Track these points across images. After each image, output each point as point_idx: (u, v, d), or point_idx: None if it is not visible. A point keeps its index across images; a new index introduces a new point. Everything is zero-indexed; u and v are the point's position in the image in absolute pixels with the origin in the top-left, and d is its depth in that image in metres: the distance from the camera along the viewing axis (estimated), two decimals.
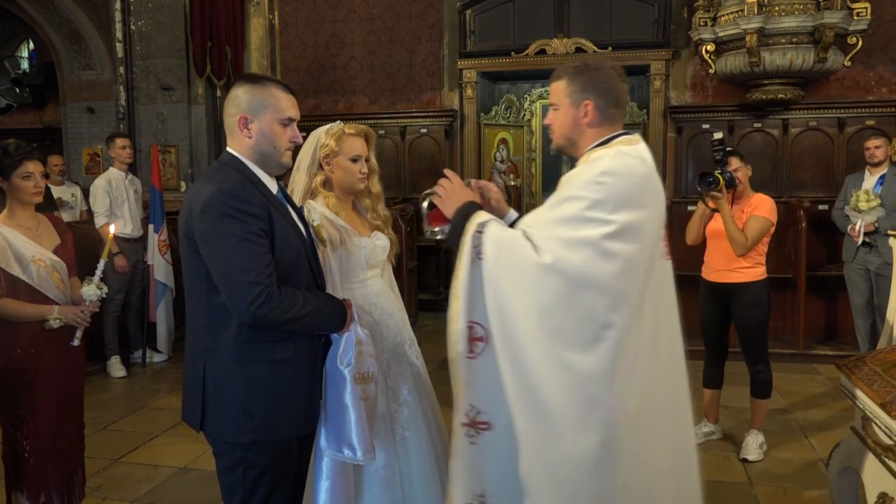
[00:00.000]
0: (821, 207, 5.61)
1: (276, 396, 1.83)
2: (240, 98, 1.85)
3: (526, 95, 8.55)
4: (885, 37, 6.73)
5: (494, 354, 1.68)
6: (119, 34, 7.38)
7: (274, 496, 1.89)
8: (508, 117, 8.43)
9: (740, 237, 3.55)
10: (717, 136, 3.64)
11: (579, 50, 7.42)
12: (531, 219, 1.78)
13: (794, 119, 7.03)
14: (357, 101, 7.91)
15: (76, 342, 2.60)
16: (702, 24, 6.67)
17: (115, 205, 5.32)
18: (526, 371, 1.65)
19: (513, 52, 7.55)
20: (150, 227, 5.55)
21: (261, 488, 1.86)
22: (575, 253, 1.64)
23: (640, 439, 1.72)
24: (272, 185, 1.92)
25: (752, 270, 3.64)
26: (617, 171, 1.71)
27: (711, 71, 6.91)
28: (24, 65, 10.63)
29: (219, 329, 1.82)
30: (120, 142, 5.44)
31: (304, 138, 2.16)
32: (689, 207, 5.35)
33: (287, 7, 8.03)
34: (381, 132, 7.55)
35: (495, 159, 8.22)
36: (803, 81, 6.68)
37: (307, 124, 2.22)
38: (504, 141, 8.43)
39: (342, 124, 2.38)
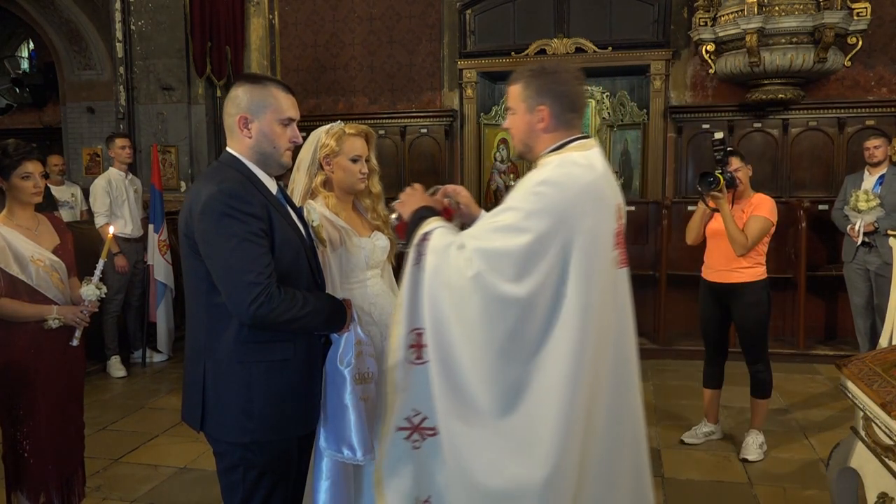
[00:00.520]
0: (821, 207, 5.61)
1: (276, 397, 1.83)
2: (240, 98, 1.85)
3: None
4: (885, 37, 6.73)
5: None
6: (119, 34, 7.38)
7: (274, 496, 1.89)
8: None
9: (740, 237, 3.55)
10: (718, 135, 3.64)
11: (579, 50, 7.42)
12: (478, 226, 1.79)
13: (794, 119, 7.03)
14: (357, 101, 7.91)
15: (75, 342, 2.60)
16: (702, 24, 6.67)
17: (115, 205, 5.32)
18: (460, 382, 1.65)
19: (513, 52, 7.55)
20: (150, 227, 5.55)
21: (261, 488, 1.86)
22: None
23: (586, 457, 1.71)
24: (272, 186, 1.92)
25: (752, 270, 3.64)
26: (556, 180, 1.68)
27: (711, 71, 6.91)
28: (24, 65, 10.63)
29: (219, 329, 1.82)
30: (120, 142, 5.44)
31: (304, 138, 2.16)
32: (690, 207, 5.35)
33: (287, 7, 8.03)
34: (381, 132, 7.55)
35: (495, 159, 8.22)
36: (803, 81, 6.68)
37: (307, 124, 2.22)
38: (504, 141, 8.42)
39: (342, 124, 2.38)
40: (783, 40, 6.28)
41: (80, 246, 3.05)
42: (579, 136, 1.82)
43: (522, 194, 1.69)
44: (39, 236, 2.66)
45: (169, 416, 4.34)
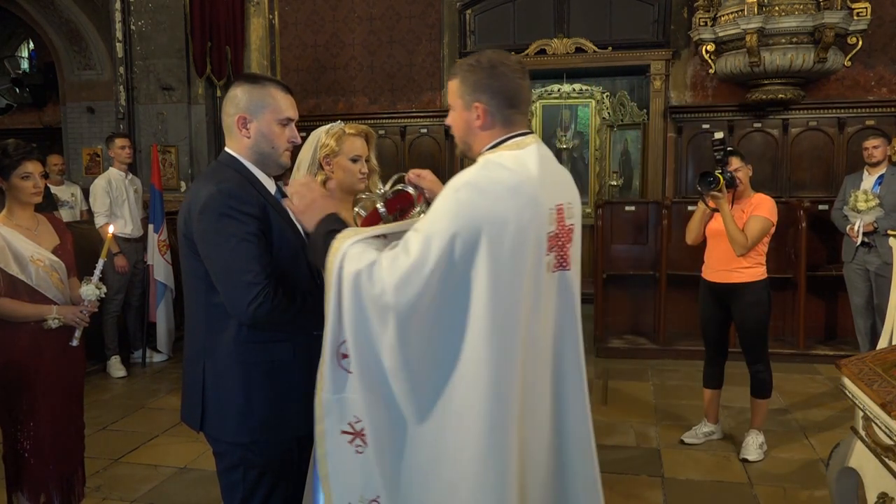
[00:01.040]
0: (821, 207, 5.61)
1: (275, 396, 1.83)
2: (238, 98, 1.85)
3: None
4: (885, 37, 6.73)
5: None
6: (119, 34, 7.38)
7: (274, 496, 1.89)
8: None
9: (740, 237, 3.55)
10: (718, 135, 3.64)
11: (579, 50, 7.43)
12: (409, 233, 1.66)
13: (794, 119, 7.03)
14: (357, 101, 7.91)
15: (75, 342, 2.60)
16: (702, 24, 6.68)
17: (115, 205, 5.32)
18: (383, 394, 1.60)
19: (513, 53, 7.51)
20: (150, 227, 5.55)
21: (261, 488, 1.86)
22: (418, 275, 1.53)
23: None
24: (270, 186, 1.92)
25: (752, 270, 3.64)
26: (475, 183, 1.57)
27: (711, 71, 6.92)
28: (24, 65, 10.63)
29: (218, 329, 1.82)
30: (119, 142, 5.44)
31: (304, 138, 2.16)
32: (690, 207, 5.35)
33: (287, 7, 8.03)
34: (381, 132, 7.56)
35: None
36: (803, 81, 6.68)
37: (307, 124, 2.23)
38: None
39: (342, 124, 2.38)
40: (783, 40, 6.28)
41: (80, 246, 3.05)
42: (519, 133, 1.72)
43: (441, 197, 1.59)
44: (39, 236, 2.66)
45: (169, 416, 4.34)
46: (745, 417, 4.04)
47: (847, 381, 2.07)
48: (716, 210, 3.63)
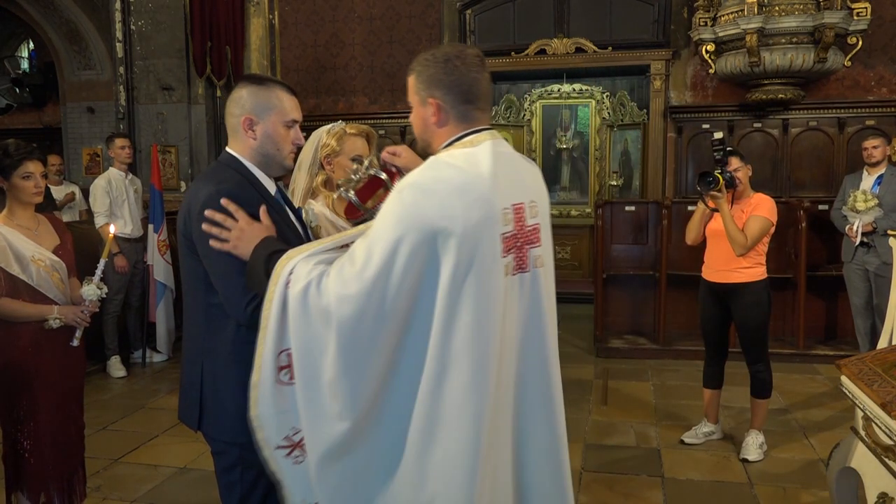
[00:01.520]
0: (821, 207, 5.61)
1: None
2: (244, 99, 1.85)
3: (526, 95, 8.56)
4: (885, 37, 6.73)
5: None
6: (119, 34, 7.38)
7: (272, 496, 1.89)
8: (508, 117, 8.44)
9: (740, 237, 3.55)
10: (718, 135, 3.64)
11: (579, 50, 7.43)
12: (358, 239, 1.61)
13: (794, 119, 7.04)
14: (357, 101, 7.92)
15: (75, 342, 2.60)
16: (702, 24, 6.68)
17: (114, 205, 5.32)
18: (323, 404, 1.55)
19: (513, 52, 7.56)
20: (150, 227, 5.55)
21: (259, 488, 1.86)
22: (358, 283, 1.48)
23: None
24: (270, 186, 1.92)
25: (752, 270, 3.64)
26: (420, 183, 1.50)
27: (711, 71, 6.92)
28: (24, 65, 10.63)
29: (216, 329, 1.82)
30: (119, 142, 5.44)
31: (305, 138, 2.16)
32: (690, 207, 5.35)
33: (287, 7, 8.04)
34: (382, 132, 7.56)
35: None
36: (803, 81, 6.69)
37: (307, 124, 2.22)
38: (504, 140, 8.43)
39: (344, 124, 2.38)
40: (783, 40, 6.29)
41: (80, 246, 3.05)
42: (476, 129, 1.64)
43: (387, 200, 1.53)
44: (40, 236, 2.66)
45: (169, 416, 4.34)
46: (745, 417, 4.05)
47: (847, 381, 2.07)
48: (715, 210, 3.64)
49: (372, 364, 1.50)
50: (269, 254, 1.62)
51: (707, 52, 6.77)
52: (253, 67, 8.04)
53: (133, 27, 7.44)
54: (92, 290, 2.56)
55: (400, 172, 1.89)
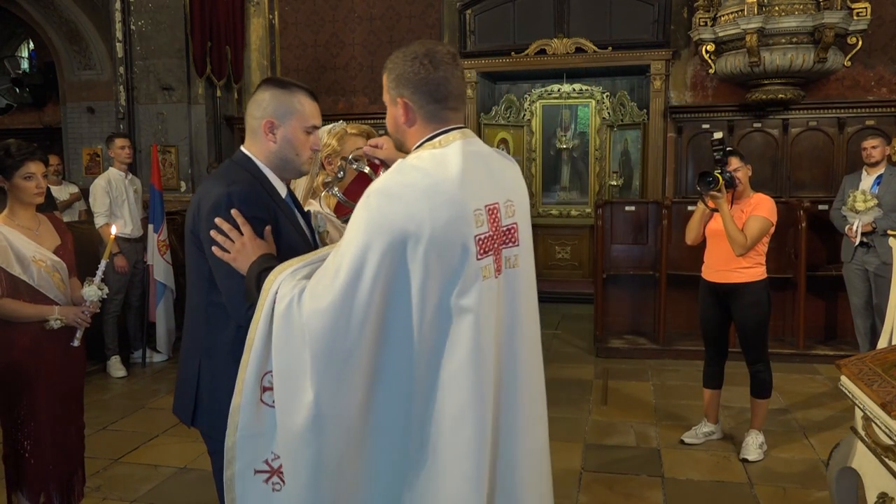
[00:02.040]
0: (821, 207, 5.61)
1: None
2: (267, 102, 1.84)
3: (526, 95, 8.56)
4: (885, 37, 6.74)
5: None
6: (119, 34, 7.39)
7: None
8: (508, 117, 8.44)
9: (740, 237, 3.55)
10: (717, 135, 3.64)
11: (579, 50, 7.43)
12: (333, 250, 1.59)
13: (794, 119, 7.04)
14: (357, 101, 7.92)
15: (76, 343, 2.60)
16: (702, 24, 6.68)
17: (114, 205, 5.32)
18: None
19: (513, 52, 7.56)
20: (150, 227, 5.55)
21: None
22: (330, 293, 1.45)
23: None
24: (282, 189, 1.91)
25: (751, 270, 3.64)
26: (386, 188, 1.46)
27: (711, 71, 6.92)
28: (24, 65, 10.64)
29: (217, 328, 1.82)
30: (119, 142, 5.44)
31: None
32: (689, 207, 5.35)
33: (287, 7, 8.04)
34: (382, 132, 7.52)
35: None
36: (803, 81, 6.69)
37: None
38: (504, 141, 8.44)
39: (344, 124, 2.38)
40: (783, 40, 6.29)
41: (79, 246, 3.05)
42: (447, 128, 1.59)
43: (356, 208, 1.49)
44: (40, 237, 2.67)
45: (169, 416, 4.32)
46: (745, 417, 4.05)
47: (847, 381, 2.07)
48: (715, 210, 3.64)
49: (351, 381, 1.44)
50: (260, 271, 1.60)
51: (707, 52, 6.77)
52: (253, 67, 8.05)
53: (133, 27, 7.45)
54: (93, 291, 2.56)
55: (384, 164, 1.86)
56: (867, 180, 5.05)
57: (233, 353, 1.80)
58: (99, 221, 5.22)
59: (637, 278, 5.94)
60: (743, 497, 3.30)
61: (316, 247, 1.99)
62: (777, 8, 6.21)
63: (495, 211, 1.56)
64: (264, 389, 1.57)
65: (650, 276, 5.83)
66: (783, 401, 4.54)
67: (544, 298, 8.11)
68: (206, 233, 1.75)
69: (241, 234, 1.68)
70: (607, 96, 8.37)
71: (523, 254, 1.64)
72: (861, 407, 1.99)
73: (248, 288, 1.64)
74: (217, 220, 1.70)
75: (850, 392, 2.07)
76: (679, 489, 3.37)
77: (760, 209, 3.60)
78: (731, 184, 3.57)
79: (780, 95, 6.62)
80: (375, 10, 7.82)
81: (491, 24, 7.69)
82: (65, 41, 7.72)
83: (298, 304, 1.47)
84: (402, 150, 1.68)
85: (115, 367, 5.34)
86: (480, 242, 1.50)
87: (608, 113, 8.36)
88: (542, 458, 1.69)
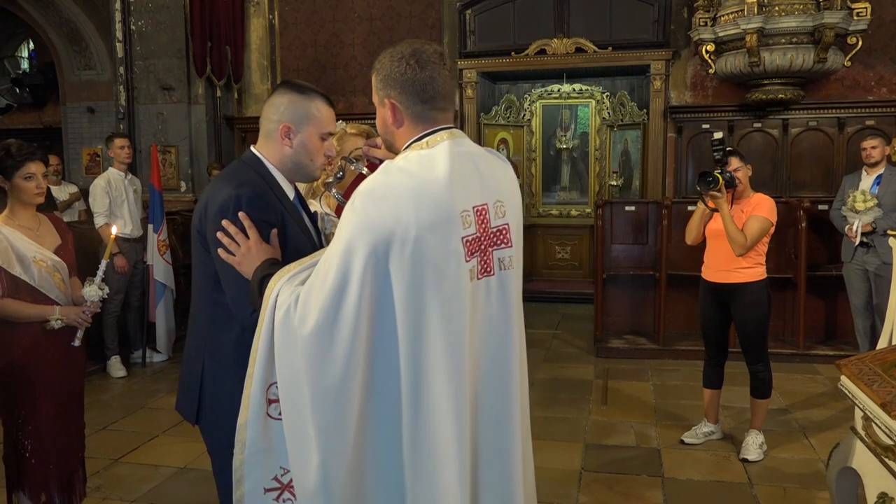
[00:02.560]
0: (821, 207, 5.62)
1: None
2: (284, 106, 1.83)
3: (526, 95, 8.56)
4: (885, 37, 6.74)
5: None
6: (119, 34, 7.39)
7: None
8: (508, 117, 8.44)
9: (740, 237, 3.55)
10: (717, 135, 3.64)
11: (579, 50, 7.44)
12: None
13: (794, 119, 7.04)
14: (357, 100, 7.92)
15: (77, 343, 2.61)
16: (702, 24, 6.68)
17: (114, 205, 5.32)
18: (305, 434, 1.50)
19: (513, 52, 7.56)
20: (150, 227, 5.55)
21: None
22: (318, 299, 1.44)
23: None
24: (290, 192, 1.91)
25: (751, 270, 3.64)
26: (371, 190, 1.45)
27: (711, 71, 6.92)
28: (24, 65, 10.64)
29: (221, 328, 1.82)
30: (119, 142, 5.44)
31: None
32: (689, 207, 5.36)
33: (287, 7, 8.04)
34: None
35: None
36: (803, 81, 6.69)
37: None
38: (504, 141, 8.44)
39: (344, 124, 2.39)
40: (783, 40, 6.29)
41: (79, 246, 3.05)
42: (435, 129, 1.57)
43: (344, 211, 1.48)
44: (41, 237, 2.66)
45: (169, 416, 4.34)
46: (745, 417, 4.05)
47: (847, 381, 2.07)
48: (715, 210, 3.64)
49: (346, 392, 1.43)
50: (262, 277, 1.59)
51: (707, 52, 6.77)
52: (253, 67, 8.05)
53: (133, 27, 7.45)
54: (93, 291, 2.56)
55: (382, 164, 1.89)
56: (867, 180, 5.05)
57: (235, 354, 1.80)
58: (99, 221, 5.22)
59: (637, 278, 5.94)
60: (743, 497, 3.30)
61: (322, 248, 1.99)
62: (777, 8, 6.21)
63: (483, 212, 1.54)
64: (270, 402, 1.56)
65: (650, 276, 5.83)
66: (783, 401, 4.54)
67: (544, 298, 8.07)
68: (213, 234, 1.74)
69: (248, 237, 1.67)
70: (607, 96, 8.37)
71: (516, 255, 1.63)
72: (861, 407, 1.99)
73: (252, 292, 1.64)
74: (224, 223, 1.70)
75: (849, 392, 2.07)
76: (679, 489, 3.37)
77: (760, 209, 3.60)
78: (731, 184, 3.57)
79: (780, 95, 6.62)
80: (375, 10, 7.82)
81: (491, 24, 7.69)
82: (65, 41, 7.72)
83: (295, 309, 1.46)
84: (393, 150, 1.67)
85: (116, 367, 5.34)
86: (468, 244, 1.49)
87: (608, 113, 8.36)
88: (528, 464, 1.69)
